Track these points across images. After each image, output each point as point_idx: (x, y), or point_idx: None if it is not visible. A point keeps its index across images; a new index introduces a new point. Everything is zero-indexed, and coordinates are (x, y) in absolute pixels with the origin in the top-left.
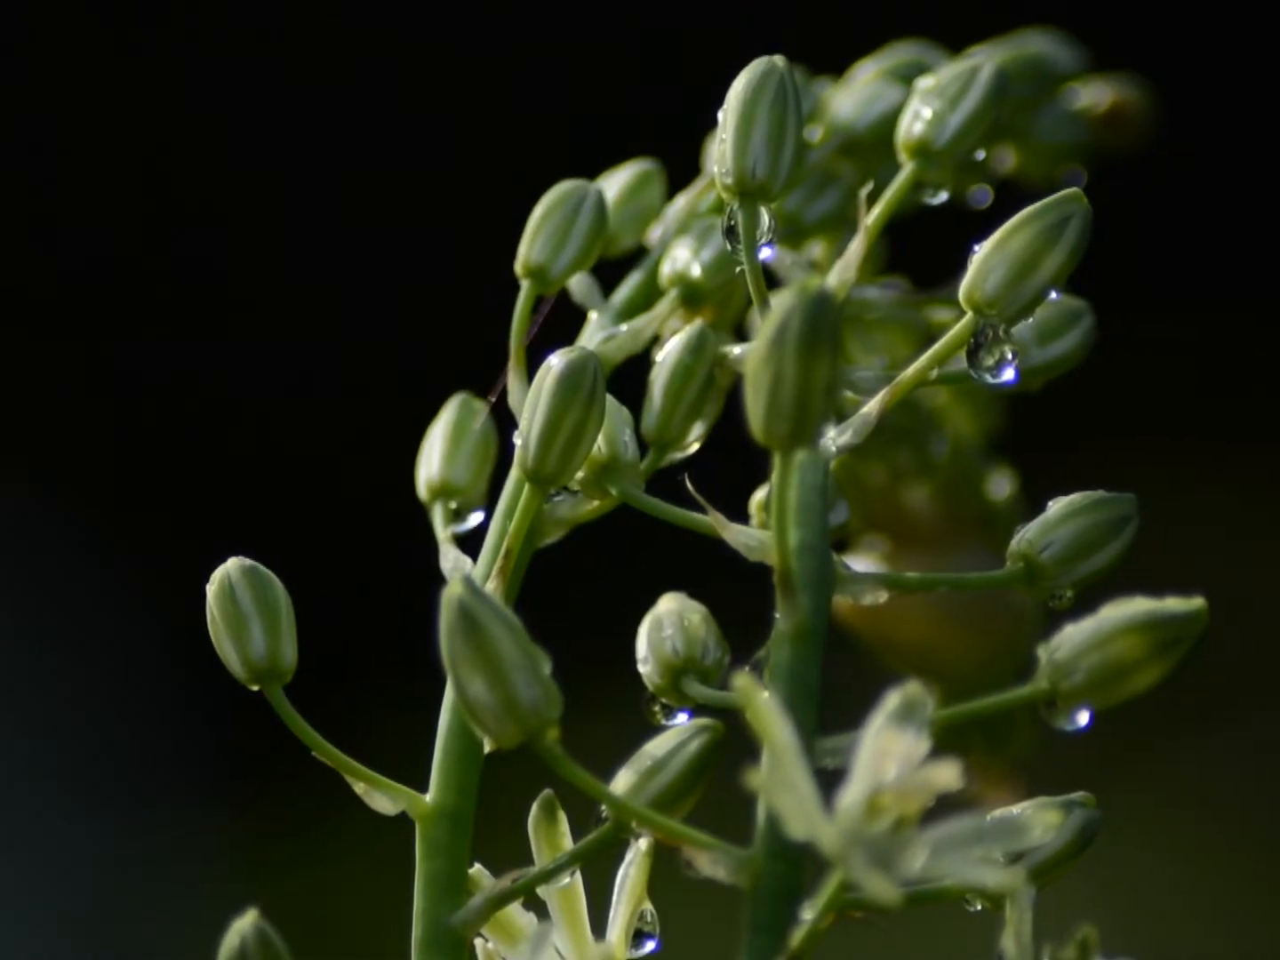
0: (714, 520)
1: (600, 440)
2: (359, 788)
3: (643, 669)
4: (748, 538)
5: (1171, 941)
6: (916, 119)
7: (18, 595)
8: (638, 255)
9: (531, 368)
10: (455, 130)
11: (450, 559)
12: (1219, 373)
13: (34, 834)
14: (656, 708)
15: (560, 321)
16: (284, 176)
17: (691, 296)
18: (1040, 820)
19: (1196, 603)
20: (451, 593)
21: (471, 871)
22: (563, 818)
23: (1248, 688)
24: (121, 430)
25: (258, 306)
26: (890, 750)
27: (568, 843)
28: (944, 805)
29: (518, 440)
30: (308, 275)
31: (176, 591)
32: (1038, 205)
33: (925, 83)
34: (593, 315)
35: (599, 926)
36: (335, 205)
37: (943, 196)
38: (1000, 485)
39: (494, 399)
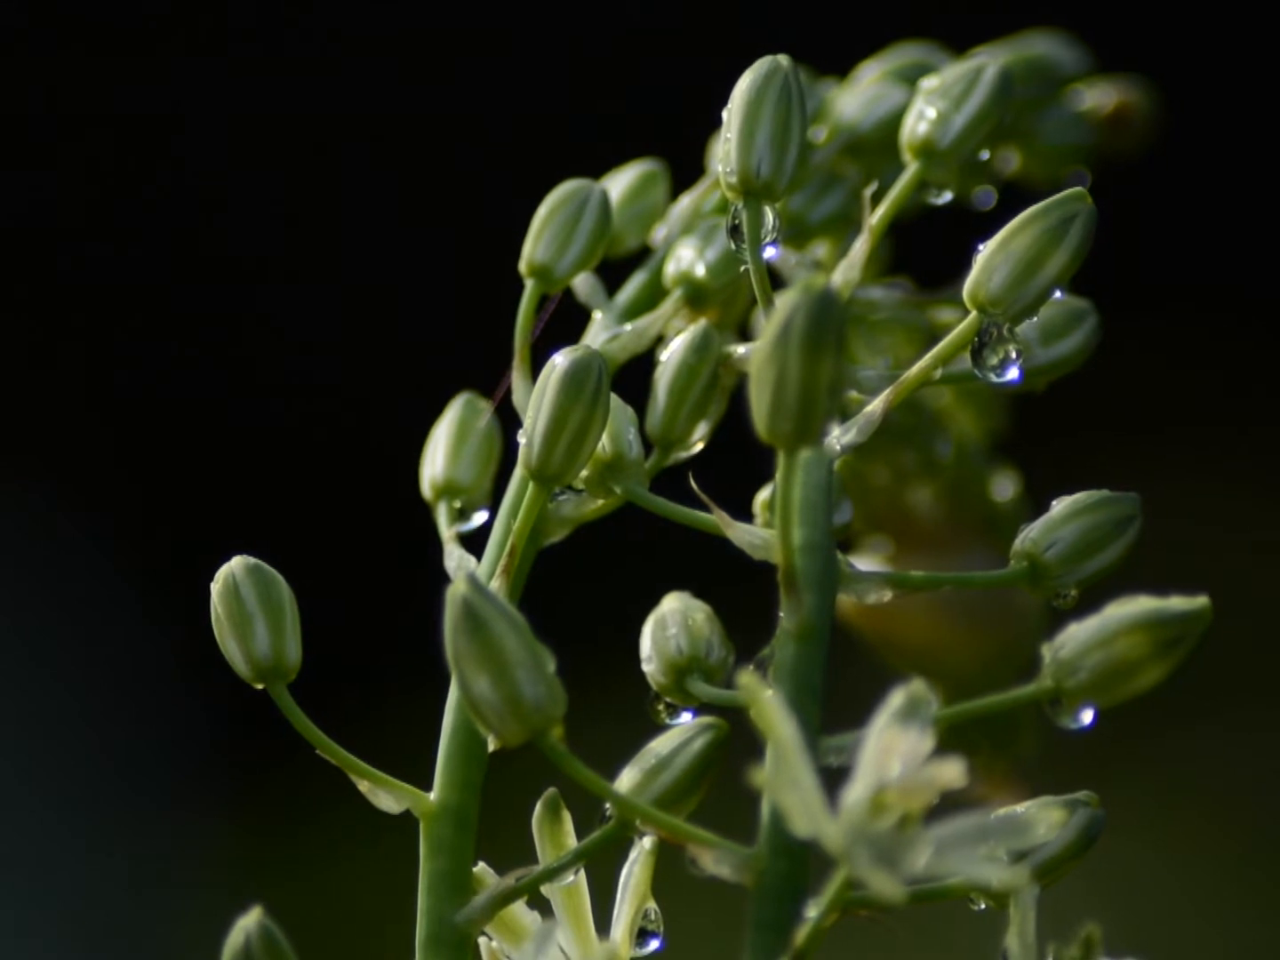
0: (718, 519)
1: (605, 439)
2: (363, 786)
3: (647, 668)
4: (752, 536)
5: (1171, 939)
6: (921, 119)
7: (17, 595)
8: (642, 255)
9: (536, 367)
10: (456, 129)
11: (454, 558)
12: (1223, 372)
13: (33, 833)
14: (661, 707)
15: (564, 321)
16: (284, 176)
17: (696, 296)
18: (1044, 819)
19: (1200, 601)
20: (456, 590)
21: (475, 870)
22: (567, 816)
23: (1249, 685)
24: (122, 430)
25: (259, 306)
26: (894, 748)
27: (572, 841)
28: (948, 806)
29: (522, 439)
30: (309, 275)
31: (176, 591)
32: (1041, 205)
33: (929, 83)
34: (597, 315)
35: (603, 925)
36: (337, 205)
37: (947, 197)
38: (1004, 486)
39: (498, 398)
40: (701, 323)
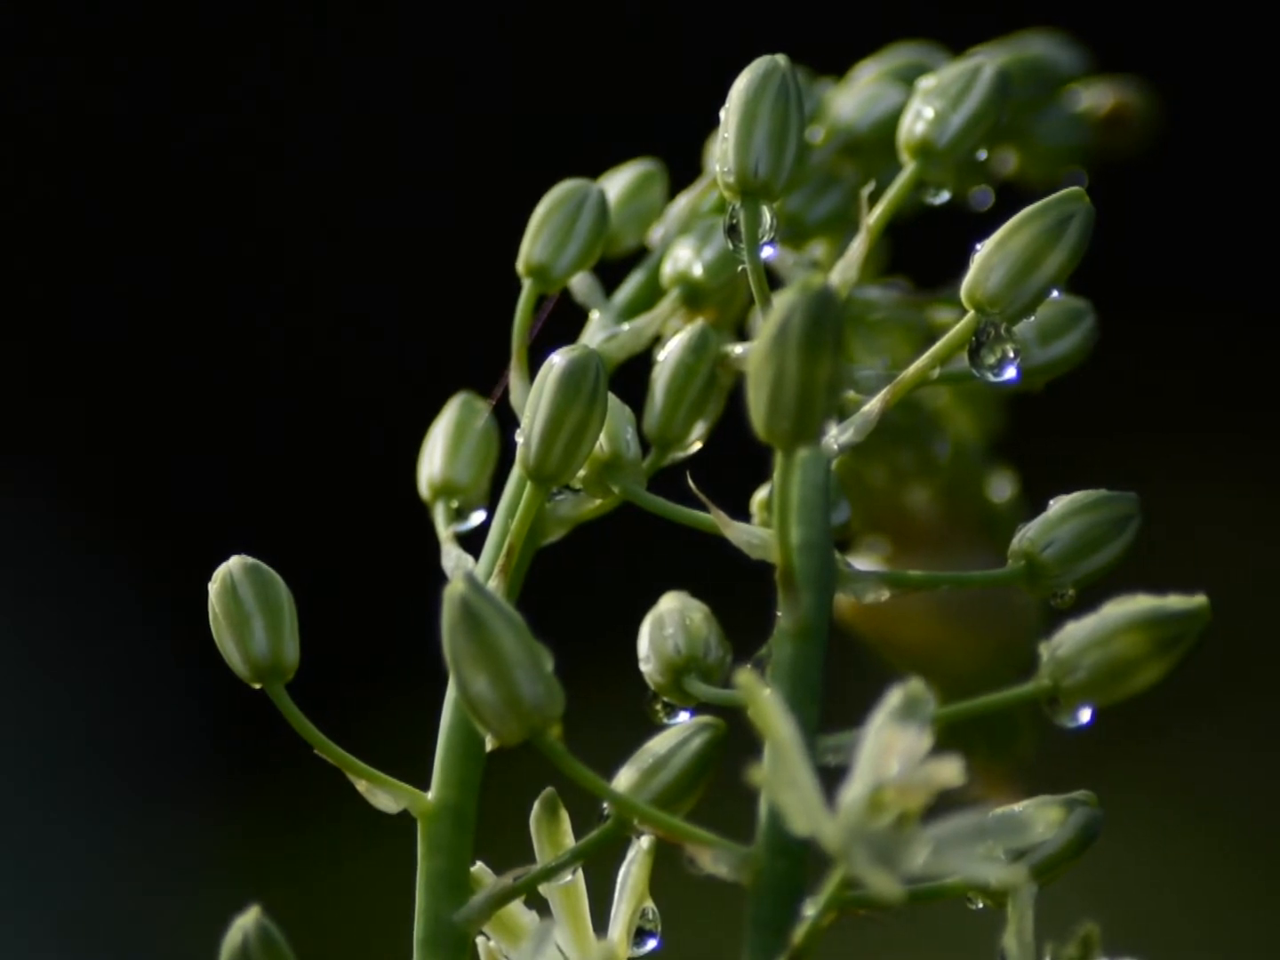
0: (716, 518)
1: (602, 439)
2: (361, 786)
3: (645, 667)
4: (750, 536)
5: (1168, 939)
6: (918, 119)
7: (17, 595)
8: (640, 255)
9: (533, 367)
10: (456, 130)
11: (452, 557)
12: (1223, 372)
13: (32, 834)
14: (658, 706)
15: (562, 321)
16: (284, 175)
17: (693, 296)
18: (1042, 817)
19: (1198, 600)
20: (454, 589)
21: (473, 869)
22: (564, 815)
23: (1246, 685)
24: (122, 430)
25: (258, 306)
26: (892, 747)
27: (570, 840)
28: (946, 806)
29: (519, 439)
30: (308, 275)
31: (174, 591)
32: (1039, 204)
33: (927, 83)
34: (595, 314)
35: (601, 924)
36: (337, 204)
37: (944, 196)
38: (1002, 486)
39: (496, 398)
40: (699, 322)
